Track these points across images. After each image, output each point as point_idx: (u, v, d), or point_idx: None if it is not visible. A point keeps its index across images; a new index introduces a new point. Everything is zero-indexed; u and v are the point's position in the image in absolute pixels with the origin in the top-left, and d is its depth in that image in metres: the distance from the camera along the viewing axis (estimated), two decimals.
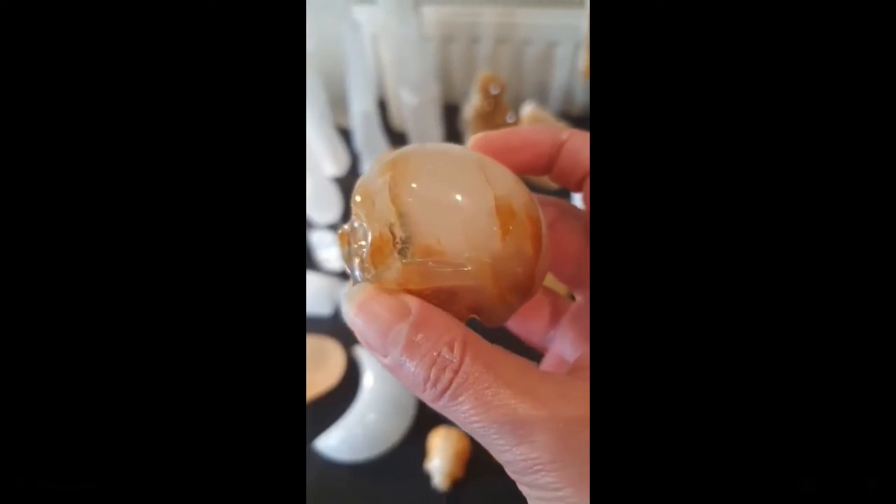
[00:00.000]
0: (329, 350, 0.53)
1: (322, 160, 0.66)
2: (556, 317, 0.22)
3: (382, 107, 0.70)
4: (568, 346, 0.22)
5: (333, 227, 0.61)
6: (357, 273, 0.17)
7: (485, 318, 0.17)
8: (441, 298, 0.16)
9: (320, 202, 0.60)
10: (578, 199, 0.21)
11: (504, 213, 0.16)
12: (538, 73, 0.69)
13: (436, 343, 0.15)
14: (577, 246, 0.21)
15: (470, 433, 0.16)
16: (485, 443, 0.15)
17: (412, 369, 0.15)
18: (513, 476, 0.16)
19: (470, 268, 0.16)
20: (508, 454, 0.15)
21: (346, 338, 0.53)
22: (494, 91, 0.61)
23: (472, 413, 0.15)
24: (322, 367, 0.52)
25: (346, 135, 0.68)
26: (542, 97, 0.71)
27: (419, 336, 0.15)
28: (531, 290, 0.17)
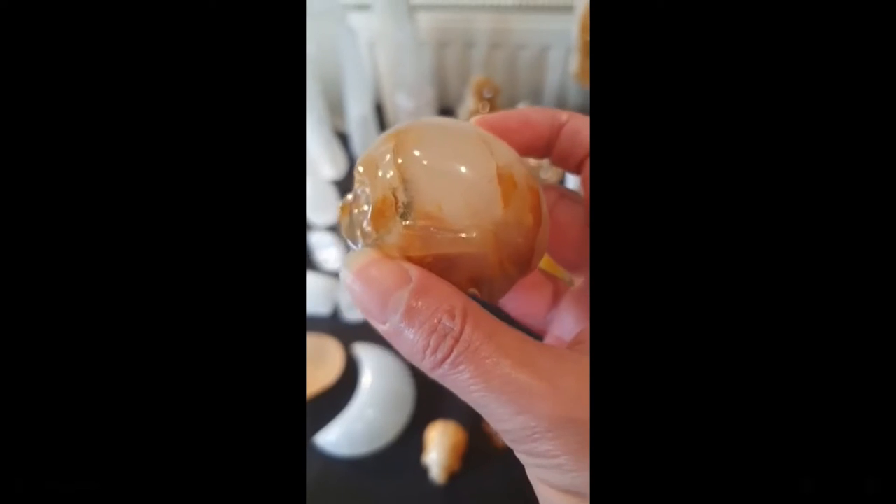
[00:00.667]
0: (328, 348, 0.54)
1: (320, 163, 0.68)
2: (555, 299, 0.22)
3: (379, 111, 0.71)
4: (567, 327, 0.22)
5: (332, 229, 0.63)
6: (358, 244, 0.17)
7: (484, 292, 0.17)
8: (441, 267, 0.16)
9: (319, 204, 0.62)
10: (572, 183, 0.21)
11: (505, 182, 0.16)
12: (531, 76, 0.71)
13: (436, 310, 0.15)
14: (577, 230, 0.21)
15: (468, 402, 0.16)
16: (484, 412, 0.15)
17: (411, 336, 0.15)
18: (511, 444, 0.16)
19: (472, 234, 0.16)
20: (507, 423, 0.15)
21: (346, 336, 0.55)
22: (488, 95, 0.62)
23: (472, 382, 0.15)
24: (321, 364, 0.53)
25: (343, 138, 0.70)
26: (535, 100, 0.72)
27: (419, 303, 0.15)
28: (530, 264, 0.17)
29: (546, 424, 0.14)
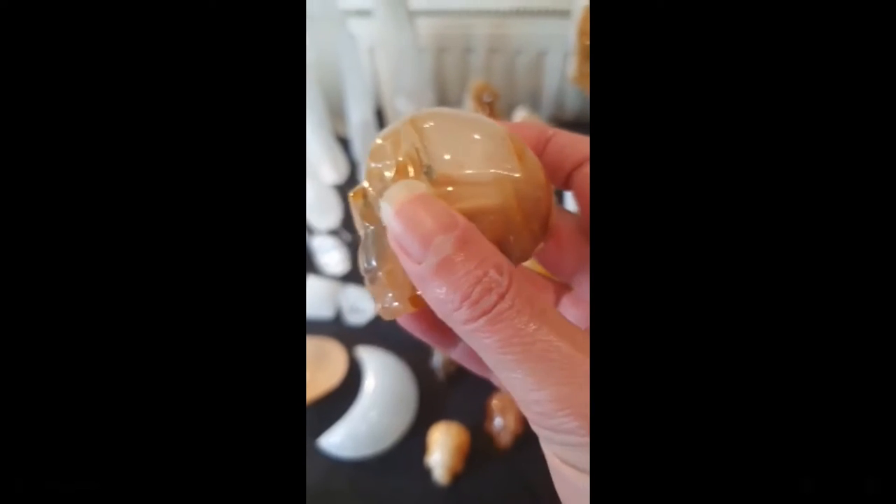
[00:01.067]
0: (331, 351, 0.55)
1: (321, 168, 0.68)
2: (558, 298, 0.22)
3: (380, 115, 0.72)
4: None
5: (334, 233, 0.63)
6: (371, 230, 0.17)
7: (511, 252, 0.17)
8: None
9: (320, 208, 0.62)
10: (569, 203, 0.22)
11: (516, 142, 0.17)
12: (529, 80, 0.71)
13: (483, 262, 0.14)
14: (570, 236, 0.21)
15: (493, 365, 0.15)
16: (510, 377, 0.14)
17: (450, 284, 0.14)
18: (535, 418, 0.15)
19: (494, 189, 0.16)
20: (537, 393, 0.14)
21: (348, 339, 0.55)
22: (487, 99, 0.63)
23: (509, 344, 0.14)
24: (324, 367, 0.54)
25: (344, 143, 0.70)
26: (533, 104, 0.73)
27: (465, 251, 0.14)
28: (549, 221, 0.18)
29: (582, 398, 0.14)
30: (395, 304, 0.17)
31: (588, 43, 0.59)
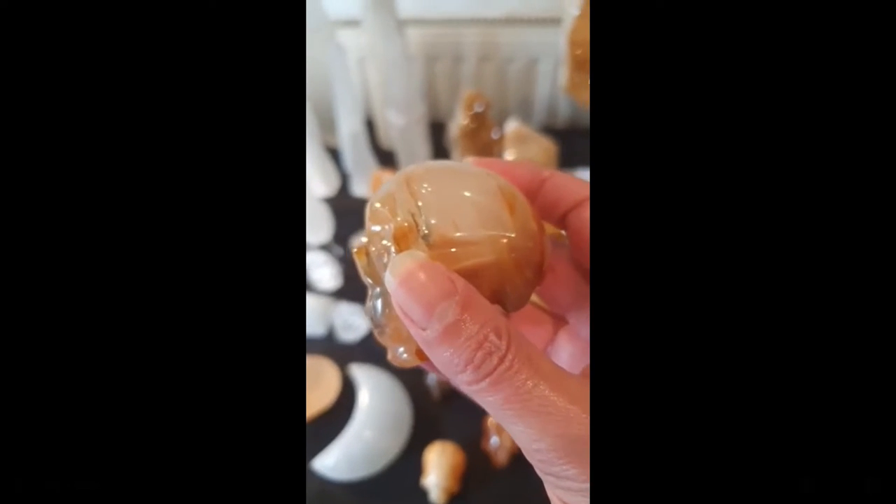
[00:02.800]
0: (324, 369, 0.54)
1: (312, 180, 0.67)
2: (555, 331, 0.23)
3: (370, 126, 0.71)
4: (562, 362, 0.22)
5: (325, 248, 0.62)
6: (377, 290, 0.18)
7: (507, 303, 0.18)
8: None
9: (311, 223, 0.61)
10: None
11: (507, 195, 0.18)
12: (521, 89, 0.71)
13: (483, 326, 0.15)
14: (565, 270, 0.21)
15: (497, 418, 0.16)
16: (513, 430, 0.16)
17: (454, 349, 0.15)
18: (538, 465, 0.16)
19: (488, 245, 0.17)
20: (539, 443, 0.15)
21: (341, 357, 0.54)
22: (479, 108, 0.62)
23: (508, 402, 0.15)
24: (317, 386, 0.53)
25: (335, 155, 0.70)
26: (525, 113, 0.72)
27: (466, 316, 0.15)
28: (542, 268, 0.19)
29: (580, 448, 0.15)
30: (405, 356, 0.18)
31: (579, 53, 0.58)
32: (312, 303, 0.57)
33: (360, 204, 0.65)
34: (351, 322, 0.56)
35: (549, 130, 0.71)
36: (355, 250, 0.19)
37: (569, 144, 0.66)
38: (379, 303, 0.19)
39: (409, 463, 0.48)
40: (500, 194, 0.18)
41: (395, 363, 0.19)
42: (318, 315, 0.56)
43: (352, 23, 0.64)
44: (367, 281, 0.19)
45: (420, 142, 0.64)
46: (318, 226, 0.62)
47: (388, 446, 0.49)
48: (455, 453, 0.47)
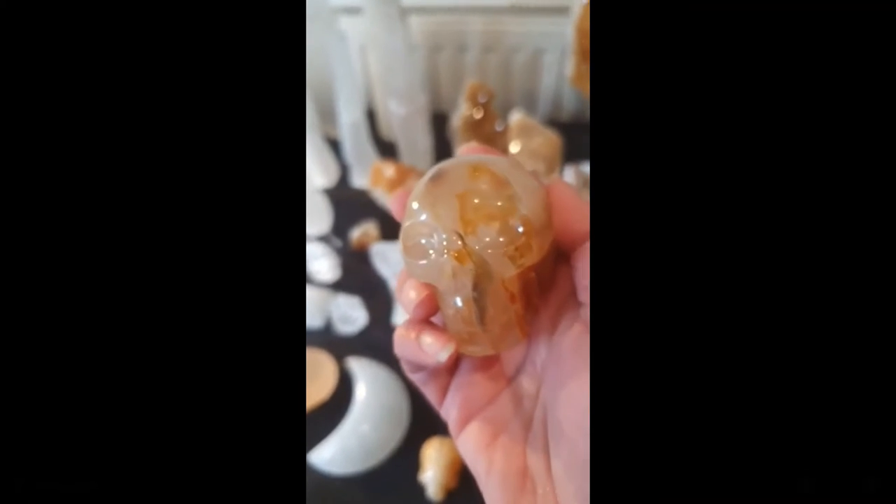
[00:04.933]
0: (321, 362, 0.53)
1: (312, 171, 0.66)
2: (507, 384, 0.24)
3: (371, 117, 0.70)
4: (570, 343, 0.22)
5: (324, 239, 0.61)
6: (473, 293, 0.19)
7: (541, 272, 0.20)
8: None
9: (310, 214, 0.60)
10: (568, 176, 0.22)
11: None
12: (526, 80, 0.70)
13: None
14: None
15: None
16: None
17: None
18: None
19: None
20: None
21: (338, 350, 0.53)
22: (483, 99, 0.61)
23: None
24: (314, 379, 0.52)
25: (335, 145, 0.68)
26: (530, 104, 0.71)
27: None
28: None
29: None
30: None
31: (587, 43, 0.57)
32: (310, 294, 0.56)
33: (360, 195, 0.64)
34: (349, 314, 0.55)
35: (554, 123, 0.70)
36: (455, 254, 0.18)
37: (574, 138, 0.65)
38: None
39: (406, 458, 0.47)
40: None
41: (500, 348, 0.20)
42: (316, 307, 0.55)
43: (353, 10, 0.62)
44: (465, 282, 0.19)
45: (421, 133, 0.63)
46: (317, 217, 0.61)
47: (386, 440, 0.48)
48: (453, 449, 0.46)
